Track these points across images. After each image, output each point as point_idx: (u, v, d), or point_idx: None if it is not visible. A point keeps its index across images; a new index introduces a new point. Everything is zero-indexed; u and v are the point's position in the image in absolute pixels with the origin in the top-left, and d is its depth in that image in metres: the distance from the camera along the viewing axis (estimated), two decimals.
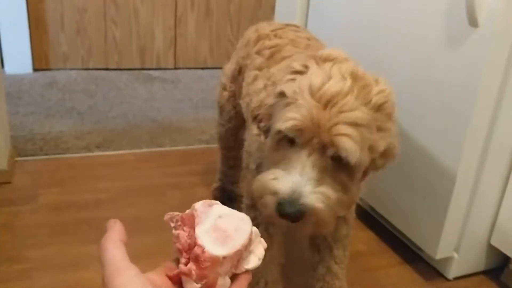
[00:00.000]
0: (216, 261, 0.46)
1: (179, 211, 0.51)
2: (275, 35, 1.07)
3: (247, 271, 0.49)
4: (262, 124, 0.82)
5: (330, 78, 0.72)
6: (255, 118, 0.85)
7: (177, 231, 0.49)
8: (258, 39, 1.11)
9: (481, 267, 1.39)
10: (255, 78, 1.03)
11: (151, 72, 2.91)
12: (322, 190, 0.71)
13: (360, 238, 1.52)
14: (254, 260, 0.50)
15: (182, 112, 2.34)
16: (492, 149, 1.21)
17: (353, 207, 1.06)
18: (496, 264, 1.40)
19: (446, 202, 1.24)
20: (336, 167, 0.73)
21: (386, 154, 0.78)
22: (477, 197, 1.26)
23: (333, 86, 0.71)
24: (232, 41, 3.13)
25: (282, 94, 0.76)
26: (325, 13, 1.68)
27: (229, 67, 1.31)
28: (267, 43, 1.05)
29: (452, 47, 1.18)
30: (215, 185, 1.61)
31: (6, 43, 2.50)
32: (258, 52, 1.06)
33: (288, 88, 0.75)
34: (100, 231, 1.56)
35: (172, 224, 0.50)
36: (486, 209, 1.29)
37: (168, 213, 0.50)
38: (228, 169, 1.55)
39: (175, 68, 3.03)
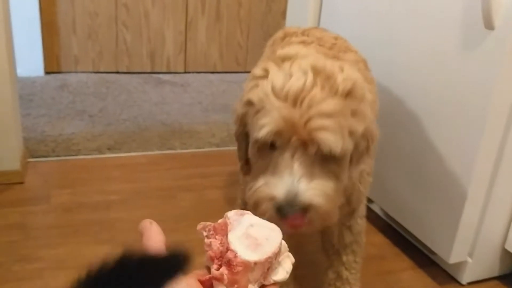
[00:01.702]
0: (248, 266, 0.46)
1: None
2: (303, 33, 1.05)
3: (275, 283, 0.49)
4: (236, 128, 0.81)
5: (291, 76, 0.71)
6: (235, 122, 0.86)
7: (210, 240, 0.49)
8: (285, 36, 1.08)
9: (495, 272, 1.37)
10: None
11: (161, 75, 2.93)
12: (315, 184, 0.71)
13: (373, 242, 1.51)
14: (282, 273, 0.50)
15: (192, 115, 2.34)
16: (506, 153, 1.20)
17: (361, 213, 1.04)
18: (510, 269, 1.39)
19: (460, 206, 1.24)
20: (322, 158, 0.72)
21: (366, 136, 0.77)
22: (492, 202, 1.25)
23: (295, 83, 0.70)
24: (242, 46, 3.14)
25: (249, 103, 0.76)
26: (338, 16, 1.68)
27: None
28: (294, 39, 1.02)
29: (467, 49, 1.17)
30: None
31: (19, 46, 2.50)
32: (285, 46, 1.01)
33: (253, 96, 0.74)
34: (112, 232, 1.59)
35: (205, 233, 0.50)
36: (500, 214, 1.28)
37: (201, 223, 0.50)
38: None
39: (185, 72, 3.05)
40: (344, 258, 1.04)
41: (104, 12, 2.77)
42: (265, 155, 0.74)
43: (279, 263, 0.50)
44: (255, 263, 0.46)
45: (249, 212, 0.51)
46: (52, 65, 2.73)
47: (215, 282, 0.46)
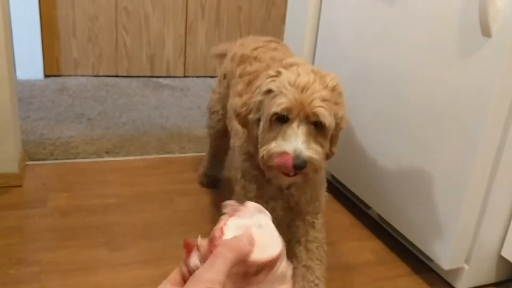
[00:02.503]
0: None
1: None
2: (255, 58, 1.32)
3: None
4: (251, 116, 1.08)
5: (299, 75, 1.03)
6: (238, 115, 1.12)
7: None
8: (242, 59, 1.35)
9: (491, 279, 1.37)
10: (238, 95, 1.26)
11: (160, 79, 2.93)
12: (313, 147, 1.01)
13: (369, 247, 1.51)
14: None
15: (191, 119, 2.34)
16: (503, 161, 1.20)
17: (320, 214, 1.25)
18: (506, 276, 1.39)
19: (457, 213, 1.24)
20: (316, 131, 1.02)
21: (343, 119, 1.10)
22: (488, 208, 1.25)
23: (303, 79, 1.02)
24: None
25: (268, 91, 1.04)
26: (337, 22, 1.69)
27: (219, 71, 1.56)
28: (248, 68, 1.29)
29: (465, 57, 1.18)
30: (200, 171, 1.77)
31: (19, 49, 2.52)
32: (241, 76, 1.30)
33: (272, 85, 1.03)
34: (109, 235, 1.58)
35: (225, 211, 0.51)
36: (497, 221, 1.28)
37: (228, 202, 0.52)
38: (213, 158, 1.72)
39: (185, 76, 3.05)
40: (310, 251, 1.21)
41: (104, 15, 2.78)
42: (275, 128, 1.02)
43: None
44: None
45: (267, 212, 0.51)
46: (51, 68, 2.74)
47: (194, 249, 0.47)
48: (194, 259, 0.47)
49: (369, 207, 1.66)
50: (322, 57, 1.80)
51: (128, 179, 1.76)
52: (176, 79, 2.98)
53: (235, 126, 1.26)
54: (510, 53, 1.08)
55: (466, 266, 1.32)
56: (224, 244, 0.46)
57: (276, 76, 1.05)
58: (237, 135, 1.24)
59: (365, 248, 1.51)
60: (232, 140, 1.32)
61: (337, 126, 1.09)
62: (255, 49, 1.36)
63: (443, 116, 1.26)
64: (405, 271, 1.41)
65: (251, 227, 0.48)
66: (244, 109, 1.11)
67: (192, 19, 2.97)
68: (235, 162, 1.24)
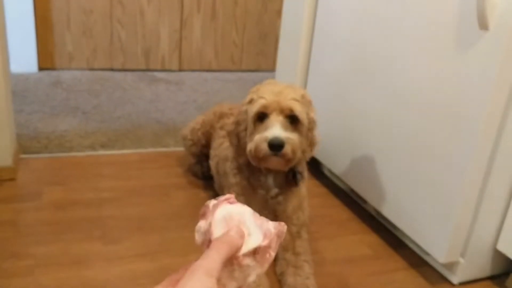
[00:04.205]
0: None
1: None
2: (232, 114, 1.57)
3: None
4: (241, 128, 1.29)
5: (274, 85, 1.25)
6: (229, 133, 1.35)
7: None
8: (221, 116, 1.65)
9: (486, 272, 1.38)
10: (221, 144, 1.54)
11: (155, 73, 2.92)
12: (288, 134, 1.19)
13: (366, 241, 1.51)
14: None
15: (187, 113, 2.33)
16: (500, 154, 1.20)
17: (305, 228, 1.38)
18: (501, 269, 1.39)
19: (453, 206, 1.24)
20: (290, 123, 1.21)
21: (313, 119, 1.27)
22: (484, 202, 1.25)
23: (278, 87, 1.24)
24: (237, 44, 3.13)
25: (250, 100, 1.25)
26: (333, 16, 1.68)
27: (200, 117, 1.77)
28: (226, 121, 1.59)
29: (462, 50, 1.17)
30: (191, 162, 1.82)
31: (13, 42, 2.50)
32: (221, 128, 1.60)
33: (253, 95, 1.25)
34: (104, 229, 1.58)
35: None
36: (493, 214, 1.28)
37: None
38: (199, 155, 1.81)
39: (180, 70, 3.04)
40: (298, 255, 1.31)
41: (99, 9, 2.76)
42: (258, 127, 1.22)
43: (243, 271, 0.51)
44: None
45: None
46: (46, 62, 2.72)
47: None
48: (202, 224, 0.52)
49: (365, 201, 1.66)
50: (319, 50, 1.79)
51: (123, 173, 1.75)
52: (171, 73, 2.97)
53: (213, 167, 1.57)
54: (507, 46, 1.08)
55: (461, 260, 1.32)
56: (218, 239, 0.49)
57: (255, 90, 1.27)
58: (227, 160, 1.42)
59: (361, 242, 1.50)
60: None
61: (310, 125, 1.27)
62: (231, 108, 1.66)
63: (440, 109, 1.26)
64: (401, 265, 1.41)
65: (235, 215, 0.52)
66: (234, 126, 1.32)
67: (187, 13, 2.96)
68: (228, 180, 1.38)
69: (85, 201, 1.54)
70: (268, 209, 1.30)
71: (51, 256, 1.27)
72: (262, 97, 1.22)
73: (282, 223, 0.53)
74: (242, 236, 0.50)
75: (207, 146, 1.69)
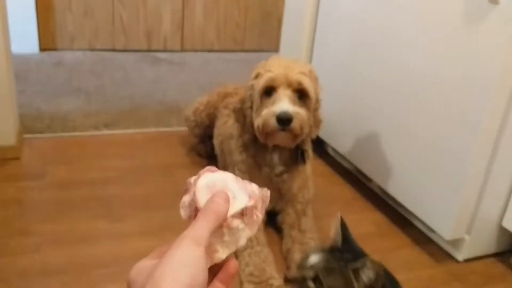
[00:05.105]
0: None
1: None
2: (236, 94, 1.57)
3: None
4: (246, 104, 1.27)
5: (281, 59, 1.24)
6: (235, 110, 1.34)
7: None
8: (225, 96, 1.64)
9: (491, 249, 1.38)
10: (225, 123, 1.52)
11: (157, 54, 2.90)
12: (296, 109, 1.17)
13: (370, 219, 1.51)
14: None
15: (189, 93, 2.32)
16: (507, 131, 1.19)
17: (310, 205, 1.38)
18: (506, 246, 1.40)
19: (459, 184, 1.23)
20: (298, 98, 1.19)
21: (318, 96, 1.26)
22: (491, 179, 1.25)
23: (285, 61, 1.22)
24: (239, 25, 3.10)
25: (257, 75, 1.23)
26: None
27: (205, 98, 1.74)
28: (230, 100, 1.56)
29: (471, 24, 1.16)
30: (193, 141, 1.80)
31: (14, 23, 2.46)
32: (225, 107, 1.57)
33: (260, 70, 1.23)
34: (109, 208, 1.57)
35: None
36: (499, 191, 1.28)
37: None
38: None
39: (182, 51, 3.02)
40: (304, 232, 1.32)
41: None
42: (265, 101, 1.20)
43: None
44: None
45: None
46: (47, 43, 2.70)
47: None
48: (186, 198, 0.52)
49: (370, 180, 1.66)
50: (324, 28, 1.77)
51: (127, 152, 1.74)
52: (173, 54, 2.95)
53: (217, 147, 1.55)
54: None
55: (467, 237, 1.32)
56: (204, 208, 0.48)
57: (262, 65, 1.25)
58: (232, 138, 1.40)
59: (366, 220, 1.51)
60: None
61: (316, 102, 1.25)
62: (235, 88, 1.65)
63: (448, 85, 1.25)
64: (406, 242, 1.42)
65: (218, 182, 0.51)
66: (240, 103, 1.31)
67: None
68: (233, 158, 1.37)
69: (89, 180, 1.54)
70: (272, 188, 1.29)
71: (57, 234, 1.28)
72: (269, 71, 1.19)
73: (265, 189, 0.53)
74: (227, 200, 0.49)
75: (210, 126, 1.67)
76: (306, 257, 0.69)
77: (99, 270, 1.17)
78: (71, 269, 1.16)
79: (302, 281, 0.65)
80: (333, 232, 0.72)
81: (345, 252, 0.69)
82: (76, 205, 1.41)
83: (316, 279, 0.65)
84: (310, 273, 0.65)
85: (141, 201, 1.46)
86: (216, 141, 1.58)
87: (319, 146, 1.92)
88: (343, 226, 0.72)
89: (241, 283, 1.15)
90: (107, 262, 1.20)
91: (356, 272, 0.66)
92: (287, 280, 0.66)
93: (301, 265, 0.68)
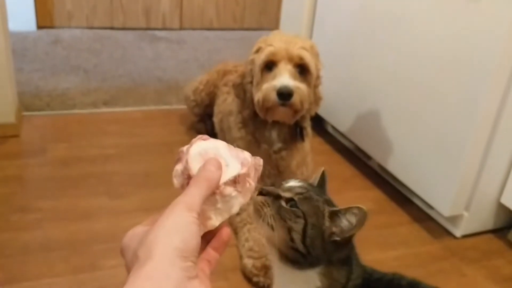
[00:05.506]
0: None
1: None
2: (236, 71, 1.53)
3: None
4: (247, 80, 1.25)
5: (282, 34, 1.22)
6: (235, 86, 1.32)
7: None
8: (225, 74, 1.63)
9: (489, 225, 1.39)
10: (225, 100, 1.52)
11: (156, 32, 2.87)
12: (297, 83, 1.16)
13: (370, 197, 1.52)
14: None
15: (189, 72, 2.31)
16: (507, 109, 1.19)
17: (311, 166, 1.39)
18: (504, 223, 1.41)
19: (458, 160, 1.24)
20: (299, 74, 1.18)
21: (319, 72, 1.25)
22: (490, 156, 1.25)
23: (286, 36, 1.21)
24: (239, 2, 3.07)
25: (258, 49, 1.22)
26: None
27: (204, 77, 1.72)
28: (230, 77, 1.54)
29: (471, 4, 1.15)
30: (194, 119, 1.81)
31: (11, 0, 2.44)
32: (225, 84, 1.58)
33: (261, 44, 1.21)
34: (109, 185, 1.58)
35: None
36: (497, 168, 1.28)
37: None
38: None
39: (181, 29, 2.99)
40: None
41: None
42: (265, 76, 1.19)
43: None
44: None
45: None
46: (45, 20, 2.67)
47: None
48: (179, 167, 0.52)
49: (369, 158, 1.66)
50: (324, 4, 1.76)
51: (127, 130, 1.74)
52: (172, 32, 2.92)
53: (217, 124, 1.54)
54: None
55: (465, 213, 1.33)
56: (196, 176, 0.48)
57: (263, 40, 1.23)
58: (231, 115, 1.39)
59: (365, 197, 1.51)
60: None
61: (317, 78, 1.24)
62: (235, 66, 1.64)
63: (449, 63, 1.24)
64: (405, 219, 1.43)
65: (210, 150, 0.51)
66: (240, 78, 1.29)
67: None
68: (232, 135, 1.36)
69: (89, 158, 1.54)
70: (271, 164, 1.30)
71: (58, 210, 1.28)
72: (270, 45, 1.18)
73: (258, 157, 0.53)
74: (219, 167, 0.49)
75: (210, 105, 1.67)
76: (286, 182, 0.69)
77: (99, 246, 1.18)
78: (72, 245, 1.17)
79: (275, 197, 0.66)
80: (312, 181, 0.72)
81: (323, 195, 0.70)
82: (77, 182, 1.41)
83: (289, 202, 0.65)
84: (286, 194, 0.65)
85: (141, 178, 1.47)
86: (216, 119, 1.58)
87: (319, 124, 1.92)
88: (322, 179, 0.73)
89: (241, 258, 1.16)
90: (107, 238, 1.21)
91: (335, 214, 0.67)
92: (260, 193, 0.66)
93: (279, 185, 0.68)
